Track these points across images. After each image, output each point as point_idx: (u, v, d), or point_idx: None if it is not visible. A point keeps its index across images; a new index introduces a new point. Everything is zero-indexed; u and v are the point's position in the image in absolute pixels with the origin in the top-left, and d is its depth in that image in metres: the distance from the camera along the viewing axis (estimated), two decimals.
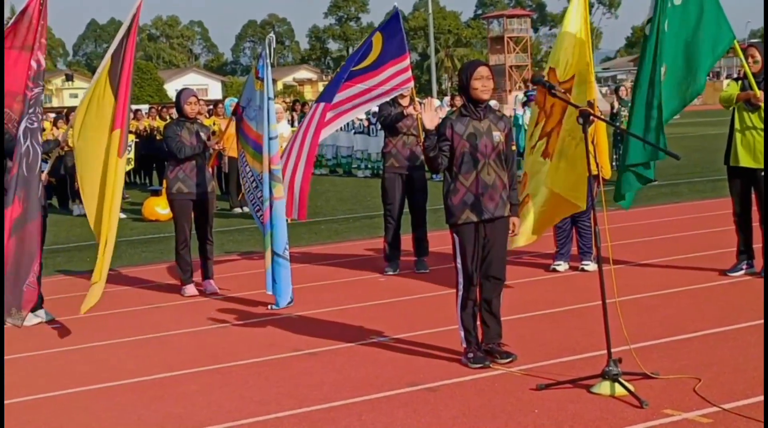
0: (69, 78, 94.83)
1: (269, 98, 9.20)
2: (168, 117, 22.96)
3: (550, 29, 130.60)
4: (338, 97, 10.16)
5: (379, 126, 11.30)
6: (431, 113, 6.66)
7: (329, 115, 10.14)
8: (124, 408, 6.36)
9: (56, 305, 9.48)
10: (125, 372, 7.23)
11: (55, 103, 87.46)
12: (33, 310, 9.16)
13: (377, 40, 10.22)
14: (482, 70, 6.72)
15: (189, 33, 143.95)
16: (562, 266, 10.21)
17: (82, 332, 8.71)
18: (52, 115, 22.75)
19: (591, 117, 6.31)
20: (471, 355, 6.78)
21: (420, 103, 10.51)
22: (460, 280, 6.80)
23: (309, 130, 10.10)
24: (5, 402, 6.62)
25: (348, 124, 26.08)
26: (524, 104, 20.88)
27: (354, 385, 6.55)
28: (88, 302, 8.42)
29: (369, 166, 25.31)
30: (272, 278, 9.10)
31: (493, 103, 7.29)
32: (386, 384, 6.50)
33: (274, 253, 9.12)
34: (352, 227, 15.30)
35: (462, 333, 6.83)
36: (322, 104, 10.21)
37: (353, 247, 12.96)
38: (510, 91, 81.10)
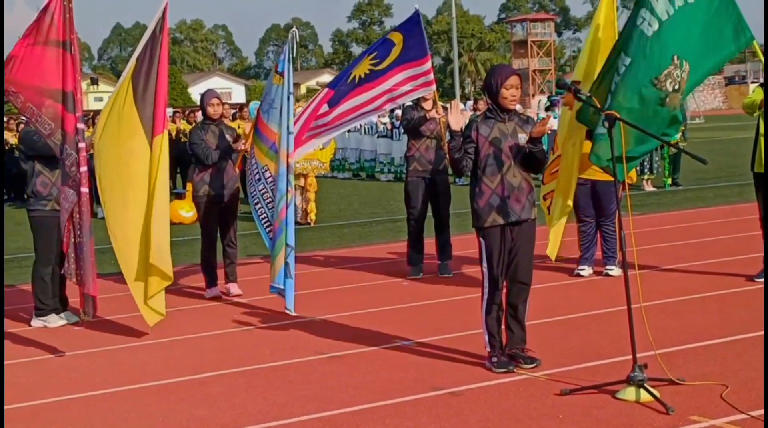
0: (94, 82, 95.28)
1: (290, 93, 9.14)
2: (194, 121, 23.03)
3: (573, 33, 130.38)
4: (361, 99, 10.10)
5: (403, 130, 11.27)
6: (458, 113, 6.65)
7: (346, 107, 10.09)
8: (148, 410, 6.38)
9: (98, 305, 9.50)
10: (150, 374, 7.26)
11: None
12: (58, 312, 9.23)
13: (397, 39, 10.13)
14: (513, 80, 6.68)
15: (213, 37, 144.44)
16: (586, 270, 10.17)
17: (105, 334, 8.74)
18: None
19: (617, 120, 6.28)
20: (495, 359, 6.76)
21: (443, 107, 10.51)
22: (486, 284, 6.78)
23: (305, 111, 10.07)
24: (31, 403, 6.67)
25: (371, 127, 26.17)
26: (547, 109, 20.82)
27: (378, 389, 6.54)
28: (152, 315, 8.41)
29: (392, 170, 25.31)
30: (284, 273, 8.92)
31: (517, 107, 7.26)
32: (410, 388, 6.48)
33: (287, 245, 8.92)
34: (375, 230, 15.30)
35: (486, 338, 6.81)
36: (326, 90, 10.24)
37: (376, 251, 12.95)
38: (533, 95, 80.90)
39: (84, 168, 7.83)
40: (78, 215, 7.84)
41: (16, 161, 9.78)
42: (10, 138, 22.94)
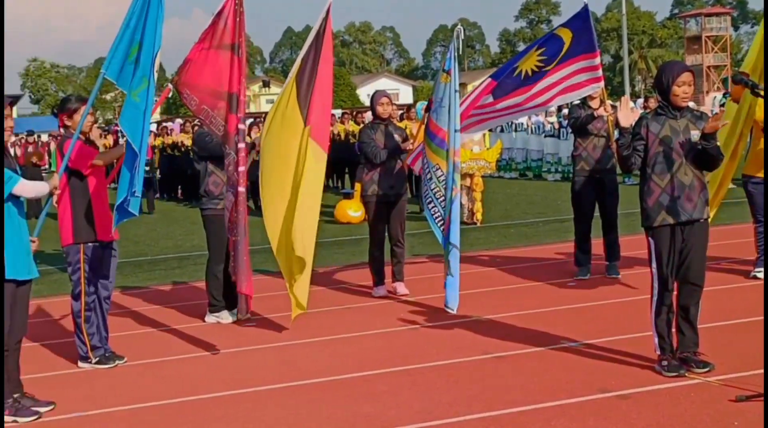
0: (266, 84, 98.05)
1: (455, 91, 9.15)
2: (362, 122, 23.35)
3: (751, 27, 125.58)
4: (530, 94, 10.01)
5: (570, 129, 11.12)
6: (627, 110, 6.53)
7: (514, 101, 10.04)
8: (315, 406, 6.50)
9: (252, 304, 9.75)
10: (317, 371, 7.39)
11: (253, 108, 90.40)
12: (230, 309, 9.50)
13: (566, 36, 9.97)
14: (686, 77, 6.51)
15: (381, 38, 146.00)
16: (763, 273, 9.79)
17: (276, 330, 8.96)
18: (249, 120, 23.52)
19: None
20: (665, 363, 6.59)
21: (612, 105, 10.31)
22: (655, 285, 6.62)
23: (465, 101, 10.02)
24: (202, 396, 6.90)
25: (538, 127, 25.95)
26: (722, 106, 20.16)
27: (543, 390, 6.48)
28: (295, 310, 8.60)
29: (559, 169, 25.02)
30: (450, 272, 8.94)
31: (690, 104, 7.05)
32: (576, 390, 6.40)
33: (450, 243, 8.94)
34: (542, 230, 15.15)
35: (656, 340, 6.65)
36: (488, 80, 10.18)
37: (543, 251, 12.83)
38: (707, 92, 78.51)
39: (242, 168, 8.01)
40: (234, 214, 8.03)
41: (191, 161, 10.13)
42: (186, 140, 23.80)
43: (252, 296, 8.12)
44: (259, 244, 8.73)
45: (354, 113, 28.40)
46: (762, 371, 6.42)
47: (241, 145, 8.03)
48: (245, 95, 8.26)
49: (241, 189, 7.99)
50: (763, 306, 6.60)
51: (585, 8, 9.99)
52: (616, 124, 6.66)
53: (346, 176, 25.53)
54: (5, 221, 6.39)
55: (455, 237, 8.86)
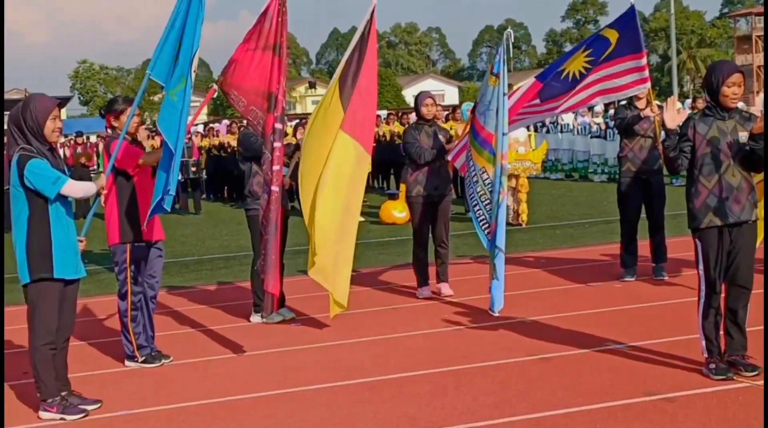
0: (312, 85, 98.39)
1: (503, 94, 9.14)
2: (407, 123, 23.36)
3: None
4: (579, 97, 9.96)
5: (616, 130, 11.04)
6: (673, 111, 6.47)
7: (563, 105, 9.99)
8: (360, 406, 6.51)
9: (298, 304, 9.81)
10: (362, 371, 7.40)
11: (299, 109, 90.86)
12: (276, 308, 9.54)
13: (612, 37, 9.89)
14: (736, 78, 6.43)
15: (427, 39, 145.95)
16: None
17: (322, 331, 8.99)
18: (295, 121, 23.60)
19: None
20: (713, 366, 6.52)
21: (658, 105, 10.21)
22: (703, 287, 6.55)
23: (512, 97, 9.97)
24: (249, 395, 6.94)
25: (584, 128, 25.79)
26: None
27: (589, 392, 6.44)
28: (334, 309, 8.63)
29: (606, 171, 24.84)
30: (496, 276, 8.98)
31: (740, 104, 6.97)
32: (622, 393, 6.35)
33: (496, 247, 8.98)
34: (587, 232, 15.06)
35: (703, 343, 6.58)
36: (533, 80, 10.14)
37: (589, 252, 12.74)
38: (758, 92, 77.43)
39: (277, 167, 8.04)
40: (267, 212, 8.06)
41: (237, 162, 10.20)
42: (232, 141, 23.95)
43: (278, 296, 8.15)
44: (304, 244, 8.77)
45: (399, 114, 28.42)
46: None
47: (277, 144, 8.06)
48: (284, 95, 8.29)
49: (275, 188, 8.01)
50: None
51: (632, 8, 9.90)
52: (663, 125, 6.60)
53: (392, 176, 25.55)
54: (54, 221, 6.48)
55: (501, 241, 8.89)
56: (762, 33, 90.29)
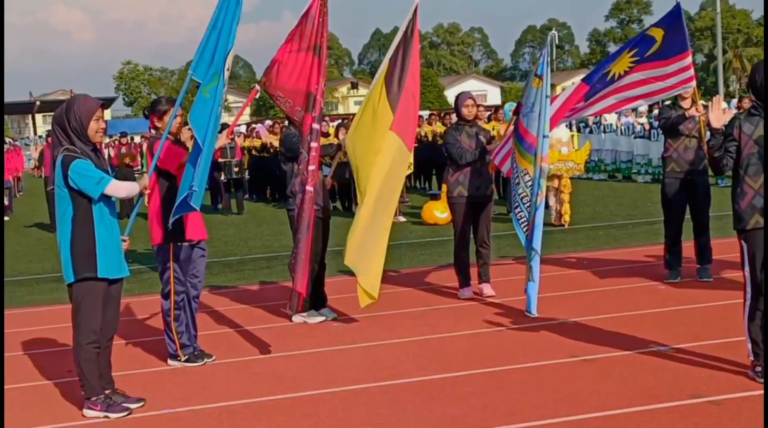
0: (354, 86, 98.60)
1: (546, 96, 9.11)
2: (449, 123, 23.32)
3: None
4: (618, 85, 9.90)
5: (660, 130, 10.95)
6: (718, 111, 6.40)
7: (603, 105, 9.95)
8: (401, 407, 6.50)
9: (339, 304, 9.82)
10: (403, 372, 7.39)
11: (341, 110, 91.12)
12: (317, 309, 9.56)
13: (658, 35, 9.80)
14: None
15: (469, 39, 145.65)
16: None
17: (363, 331, 8.99)
18: (337, 121, 23.68)
19: None
20: (759, 369, 6.44)
21: (703, 105, 10.11)
22: (749, 289, 6.47)
23: (554, 101, 9.92)
24: (291, 395, 6.95)
25: (627, 128, 25.60)
26: None
27: (632, 394, 6.39)
28: (363, 297, 8.64)
29: (650, 171, 24.63)
30: (531, 276, 9.01)
31: None
32: (666, 395, 6.29)
33: (532, 249, 9.02)
34: (631, 233, 14.94)
35: (749, 345, 6.50)
36: (580, 83, 10.09)
37: (633, 253, 12.64)
38: None
39: (312, 167, 8.06)
40: (301, 211, 8.07)
41: (279, 162, 10.24)
42: (274, 141, 24.03)
43: (305, 296, 8.16)
44: (345, 245, 8.78)
45: (442, 114, 28.37)
46: None
47: (314, 144, 8.09)
48: (322, 95, 8.31)
49: (309, 188, 8.03)
50: None
51: (677, 6, 9.81)
52: (708, 124, 6.53)
53: (433, 177, 25.54)
54: (98, 221, 6.53)
55: (537, 242, 8.93)
56: None
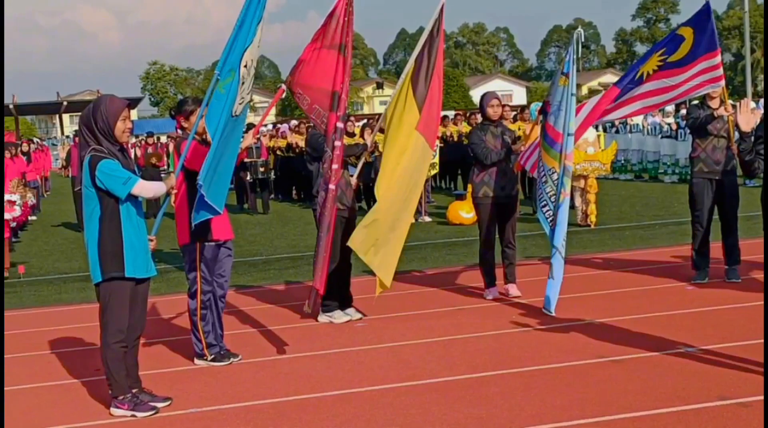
0: (379, 86, 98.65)
1: (572, 94, 9.09)
2: (474, 123, 23.29)
3: None
4: (645, 88, 9.86)
5: (688, 130, 10.87)
6: (747, 114, 6.35)
7: (632, 108, 9.94)
8: (427, 407, 6.49)
9: (364, 304, 9.82)
10: (428, 372, 7.38)
11: (366, 110, 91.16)
12: (343, 308, 9.56)
13: (687, 34, 9.75)
14: None
15: (495, 39, 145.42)
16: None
17: (388, 331, 8.98)
18: (362, 121, 23.67)
19: None
20: None
21: (732, 105, 10.04)
22: None
23: (583, 106, 9.89)
24: (317, 395, 6.95)
25: (654, 128, 25.46)
26: None
27: (659, 395, 6.35)
28: (379, 285, 8.68)
29: (677, 171, 24.49)
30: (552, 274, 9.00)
31: None
32: (694, 397, 6.25)
33: (553, 246, 9.00)
34: (658, 233, 14.86)
35: None
36: (611, 87, 10.08)
37: (659, 254, 12.57)
38: None
39: (336, 166, 8.06)
40: (323, 210, 8.09)
41: (304, 162, 10.25)
42: (300, 141, 24.07)
43: (322, 294, 8.16)
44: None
45: (467, 114, 28.33)
46: None
47: (338, 143, 8.09)
48: (347, 95, 8.32)
49: (332, 186, 8.05)
50: None
51: (707, 5, 9.74)
52: (737, 125, 6.48)
53: (459, 177, 25.50)
54: (125, 221, 6.56)
55: (559, 241, 8.91)
56: None
